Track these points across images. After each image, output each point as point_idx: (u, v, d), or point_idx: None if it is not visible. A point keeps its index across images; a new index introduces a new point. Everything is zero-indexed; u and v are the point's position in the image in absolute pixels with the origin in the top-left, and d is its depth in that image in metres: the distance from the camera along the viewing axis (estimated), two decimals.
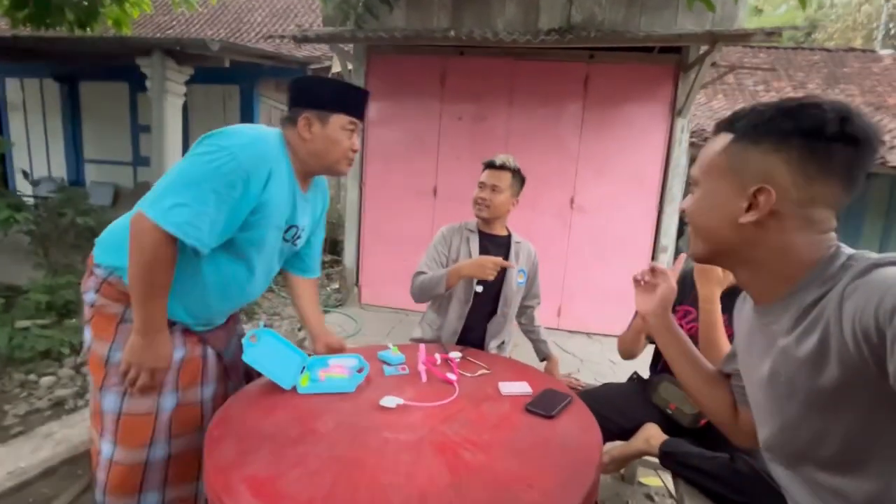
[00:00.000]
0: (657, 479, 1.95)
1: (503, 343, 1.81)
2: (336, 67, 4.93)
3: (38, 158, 7.18)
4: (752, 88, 7.65)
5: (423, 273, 1.78)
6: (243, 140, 1.03)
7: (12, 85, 7.13)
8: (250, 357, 1.23)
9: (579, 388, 1.77)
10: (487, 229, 1.79)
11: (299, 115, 1.15)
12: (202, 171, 0.99)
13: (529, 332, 1.93)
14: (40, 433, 1.28)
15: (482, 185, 1.71)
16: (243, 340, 1.25)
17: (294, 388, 1.23)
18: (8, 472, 1.11)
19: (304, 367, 1.33)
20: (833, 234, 0.63)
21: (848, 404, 0.59)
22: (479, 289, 1.74)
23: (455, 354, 1.53)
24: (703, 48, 3.12)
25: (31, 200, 4.85)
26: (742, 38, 2.71)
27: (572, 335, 3.76)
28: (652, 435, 1.42)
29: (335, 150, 1.18)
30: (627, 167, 3.60)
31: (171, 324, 1.14)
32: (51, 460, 1.20)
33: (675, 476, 1.35)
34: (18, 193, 4.80)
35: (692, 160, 0.75)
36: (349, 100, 1.20)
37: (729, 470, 1.19)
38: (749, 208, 0.63)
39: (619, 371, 3.10)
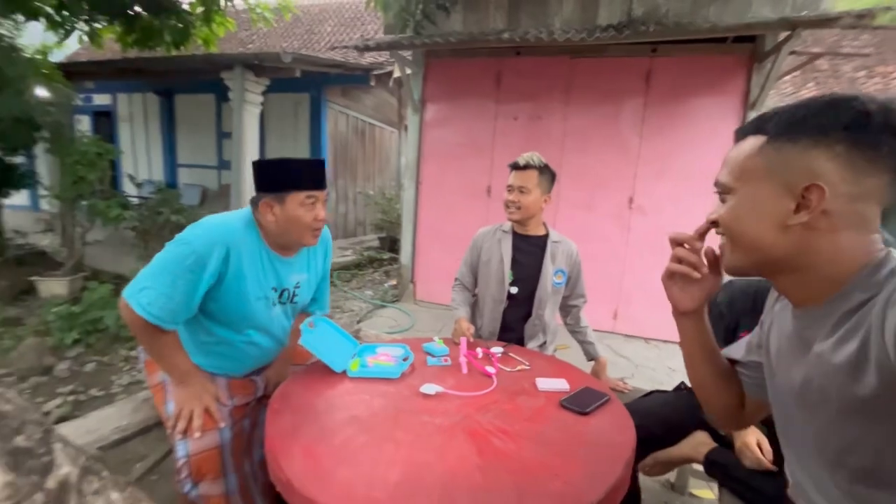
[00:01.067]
0: (710, 492, 1.87)
1: (544, 344, 1.81)
2: (398, 72, 5.13)
3: (141, 163, 8.16)
4: (850, 75, 6.86)
5: (458, 282, 1.91)
6: (202, 230, 1.17)
7: (122, 100, 8.16)
8: (307, 341, 1.37)
9: (626, 391, 1.74)
10: (522, 230, 1.79)
11: (260, 200, 1.23)
12: (167, 261, 1.14)
13: (576, 332, 1.91)
14: (139, 398, 1.49)
15: (510, 188, 1.70)
16: (301, 326, 1.39)
17: (345, 372, 1.35)
18: (113, 427, 1.32)
19: (355, 354, 1.45)
20: (879, 236, 0.61)
21: (883, 416, 0.57)
22: (514, 290, 1.75)
23: (497, 350, 1.57)
24: (782, 35, 2.89)
25: (135, 200, 5.54)
26: (824, 23, 2.47)
27: (629, 340, 3.63)
28: (701, 442, 1.38)
29: (297, 226, 1.23)
30: (692, 165, 3.42)
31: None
32: (146, 421, 1.40)
33: (721, 486, 1.31)
34: (125, 194, 5.50)
35: None
36: (302, 175, 1.23)
37: (779, 488, 1.14)
38: (798, 209, 0.60)
39: (677, 379, 2.96)
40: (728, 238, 0.69)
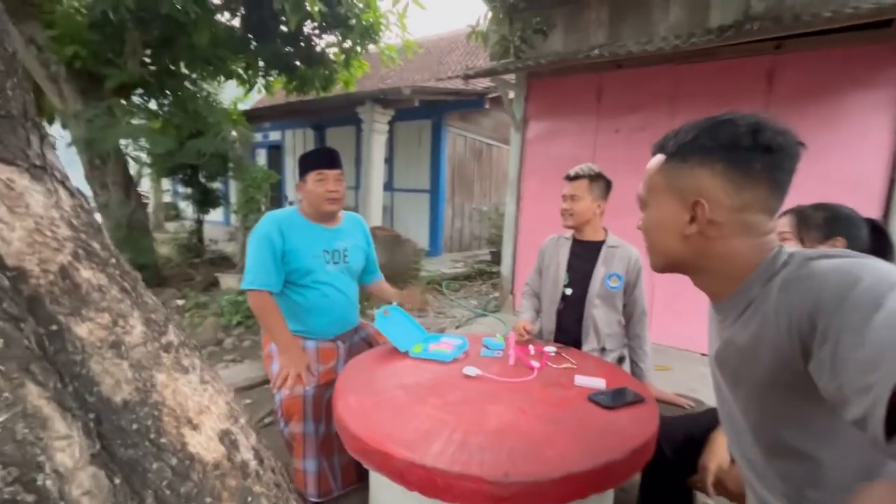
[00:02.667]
0: None
1: (603, 350, 1.82)
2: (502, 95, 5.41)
3: None
4: None
5: (527, 287, 2.07)
6: (261, 221, 1.68)
7: (288, 135, 10.00)
8: (380, 324, 1.66)
9: (688, 406, 1.66)
10: (580, 236, 1.87)
11: (297, 185, 1.73)
12: (251, 251, 1.63)
13: (631, 349, 1.85)
14: (261, 362, 1.96)
15: (563, 198, 1.81)
16: (377, 312, 1.70)
17: (407, 353, 1.60)
18: (244, 377, 1.78)
19: (419, 340, 1.70)
20: (773, 237, 0.67)
21: (779, 393, 0.62)
22: (569, 291, 1.82)
23: (550, 349, 1.67)
24: None
25: None
26: None
27: None
28: None
29: (315, 197, 1.69)
30: (833, 172, 2.94)
31: (304, 339, 1.70)
32: (264, 378, 1.85)
33: None
34: None
35: None
36: (314, 159, 1.69)
37: None
38: (691, 221, 0.68)
39: None
40: (647, 243, 0.79)
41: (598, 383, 1.40)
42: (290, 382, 1.53)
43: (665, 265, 0.76)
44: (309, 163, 1.70)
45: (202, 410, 0.67)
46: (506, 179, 9.52)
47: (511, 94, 4.14)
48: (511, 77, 4.12)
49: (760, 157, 0.63)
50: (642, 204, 0.78)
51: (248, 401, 2.55)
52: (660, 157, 0.73)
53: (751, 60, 3.09)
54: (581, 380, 1.42)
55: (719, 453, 1.20)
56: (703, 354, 3.47)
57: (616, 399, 1.27)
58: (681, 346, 3.51)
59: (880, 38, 2.73)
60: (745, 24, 2.80)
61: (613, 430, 1.12)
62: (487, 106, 6.78)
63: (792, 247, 0.67)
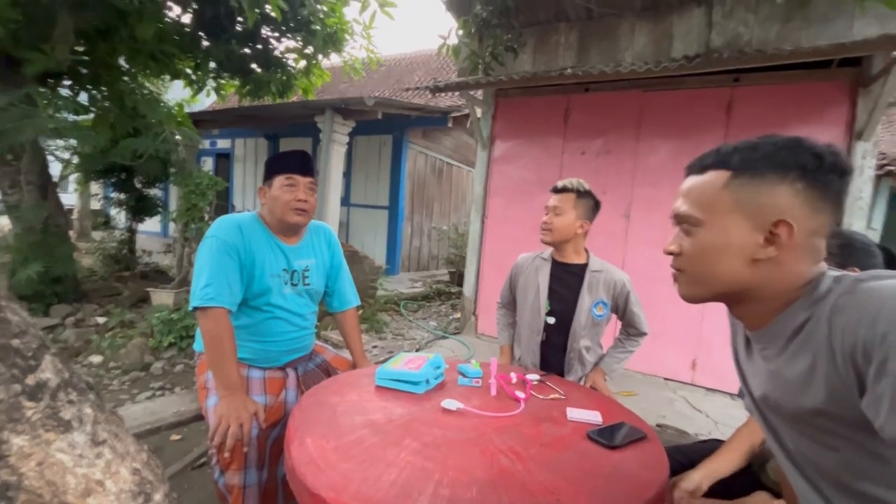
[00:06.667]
0: None
1: (581, 378, 1.69)
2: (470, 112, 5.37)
3: (248, 196, 9.29)
4: None
5: (499, 304, 1.97)
6: (218, 224, 1.41)
7: (238, 144, 9.47)
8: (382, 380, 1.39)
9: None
10: (560, 257, 1.73)
11: (261, 188, 1.51)
12: (205, 257, 1.35)
13: (613, 347, 1.79)
14: (195, 391, 1.65)
15: (546, 209, 1.69)
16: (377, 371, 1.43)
17: (373, 381, 1.37)
18: (172, 412, 1.47)
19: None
20: (823, 263, 0.64)
21: (831, 427, 0.59)
22: (552, 320, 1.68)
23: (532, 377, 1.51)
24: (893, 55, 2.57)
25: None
26: None
27: (709, 393, 3.23)
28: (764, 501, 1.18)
29: (279, 204, 1.43)
30: None
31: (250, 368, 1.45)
32: (199, 410, 1.54)
33: None
34: None
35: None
36: (284, 162, 1.47)
37: None
38: (766, 243, 0.62)
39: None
40: (690, 271, 0.69)
41: (594, 417, 1.25)
42: (229, 443, 1.19)
43: (713, 295, 0.68)
44: (277, 165, 1.47)
45: (91, 489, 0.44)
46: (465, 200, 9.56)
47: (479, 112, 4.08)
48: (479, 94, 4.07)
49: (837, 179, 0.61)
50: (694, 224, 0.68)
51: (176, 437, 2.19)
52: (720, 173, 0.66)
53: (712, 91, 3.20)
54: (574, 413, 1.27)
55: (694, 477, 1.13)
56: (668, 379, 3.46)
57: (618, 437, 1.12)
58: (646, 371, 3.48)
59: (827, 77, 2.91)
60: (708, 55, 2.89)
61: (623, 477, 0.97)
62: (450, 125, 6.74)
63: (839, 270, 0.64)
